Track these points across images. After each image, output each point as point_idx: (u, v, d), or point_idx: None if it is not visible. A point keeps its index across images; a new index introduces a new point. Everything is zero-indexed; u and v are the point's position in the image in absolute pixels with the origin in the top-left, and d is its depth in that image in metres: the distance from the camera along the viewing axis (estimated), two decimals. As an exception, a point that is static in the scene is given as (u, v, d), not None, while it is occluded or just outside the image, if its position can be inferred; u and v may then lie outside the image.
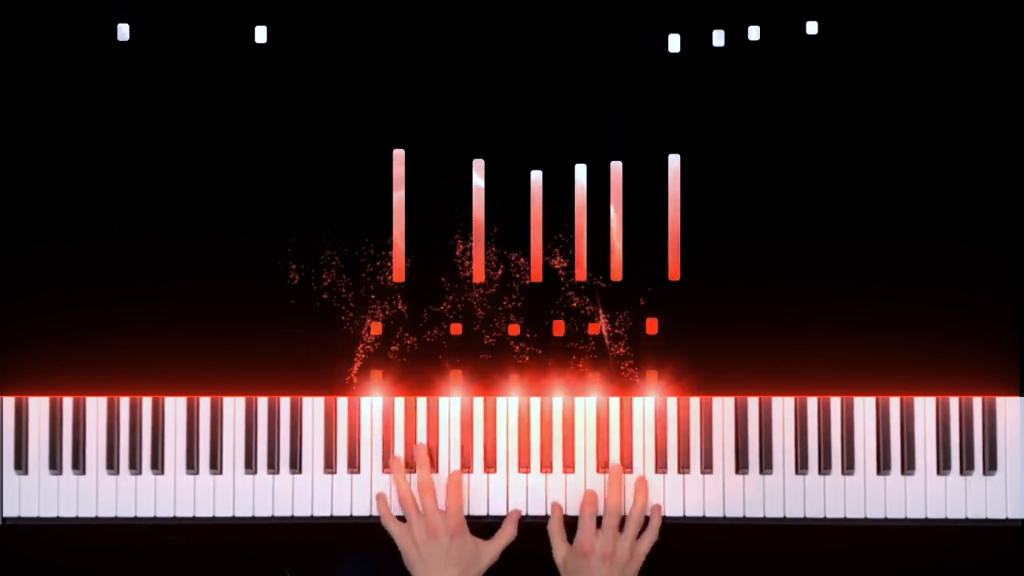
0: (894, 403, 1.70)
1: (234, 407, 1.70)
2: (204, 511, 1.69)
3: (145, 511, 1.68)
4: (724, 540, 1.72)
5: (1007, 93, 1.70)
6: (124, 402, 1.69)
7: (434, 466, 1.69)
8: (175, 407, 1.70)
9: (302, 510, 1.69)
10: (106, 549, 1.72)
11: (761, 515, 1.68)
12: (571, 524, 1.68)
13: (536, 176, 1.69)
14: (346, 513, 1.70)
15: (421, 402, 1.70)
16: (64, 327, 1.68)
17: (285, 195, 1.70)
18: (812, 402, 1.70)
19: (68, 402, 1.69)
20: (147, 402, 1.70)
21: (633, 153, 1.69)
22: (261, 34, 1.69)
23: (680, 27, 1.67)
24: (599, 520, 1.65)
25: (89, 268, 1.69)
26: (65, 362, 1.69)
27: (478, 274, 1.70)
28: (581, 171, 1.69)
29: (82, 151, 1.69)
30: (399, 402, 1.70)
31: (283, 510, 1.69)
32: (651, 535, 1.65)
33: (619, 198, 1.68)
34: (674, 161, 1.68)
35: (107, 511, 1.69)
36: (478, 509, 1.69)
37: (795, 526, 1.69)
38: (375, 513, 1.69)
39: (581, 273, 1.69)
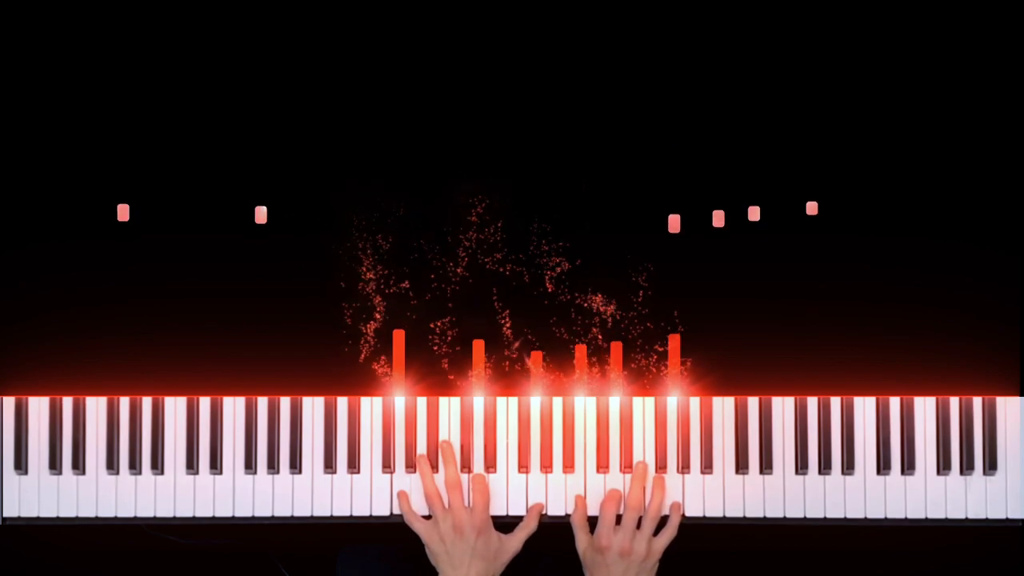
0: (894, 403, 1.70)
1: (234, 407, 1.70)
2: (204, 511, 1.69)
3: (145, 511, 1.68)
4: (724, 540, 1.72)
5: (1005, 97, 1.70)
6: (124, 402, 1.69)
7: (434, 466, 1.69)
8: (175, 407, 1.70)
9: (302, 510, 1.69)
10: (106, 549, 1.72)
11: (761, 515, 1.68)
12: (566, 523, 1.68)
13: (537, 355, 1.71)
14: (346, 513, 1.70)
15: (421, 402, 1.70)
16: (64, 327, 1.68)
17: (287, 197, 1.70)
18: (812, 402, 1.70)
19: (68, 402, 1.69)
20: (147, 402, 1.70)
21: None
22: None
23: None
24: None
25: (89, 268, 1.69)
26: (65, 362, 1.69)
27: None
28: (581, 350, 1.70)
29: (83, 150, 1.69)
30: (399, 402, 1.70)
31: (283, 510, 1.69)
32: (669, 533, 1.65)
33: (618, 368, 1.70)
34: (674, 341, 1.69)
35: (107, 511, 1.69)
36: (478, 509, 1.69)
37: (795, 526, 1.69)
38: (376, 513, 1.69)
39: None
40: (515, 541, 1.66)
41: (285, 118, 1.70)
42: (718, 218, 1.68)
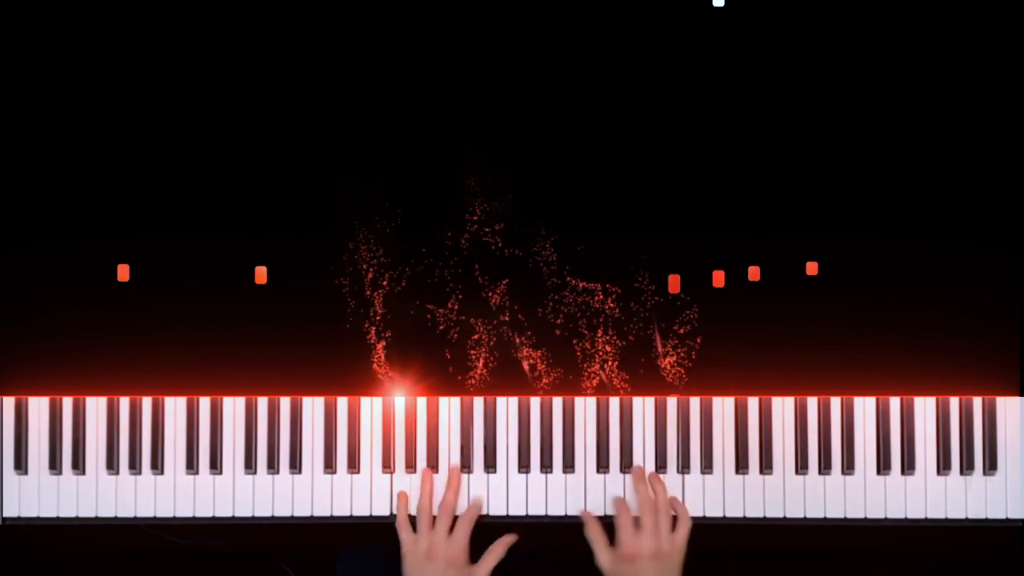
0: (894, 403, 1.70)
1: (234, 407, 1.70)
2: (204, 511, 1.69)
3: (145, 511, 1.68)
4: (724, 540, 1.72)
5: (1005, 97, 1.70)
6: (124, 402, 1.69)
7: (434, 466, 1.69)
8: (175, 407, 1.70)
9: (302, 510, 1.69)
10: (106, 549, 1.72)
11: (761, 515, 1.68)
12: (560, 525, 1.68)
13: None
14: (346, 513, 1.70)
15: (421, 402, 1.70)
16: (64, 327, 1.68)
17: (288, 199, 1.70)
18: (812, 402, 1.70)
19: (68, 402, 1.69)
20: (147, 402, 1.69)
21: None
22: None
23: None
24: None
25: (89, 268, 1.69)
26: (65, 362, 1.69)
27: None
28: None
29: (83, 151, 1.69)
30: (399, 402, 1.70)
31: (283, 510, 1.69)
32: (686, 524, 1.64)
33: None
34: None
35: (107, 511, 1.69)
36: (478, 509, 1.69)
37: (795, 526, 1.69)
38: (376, 513, 1.69)
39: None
40: (482, 571, 1.64)
41: (282, 117, 1.70)
42: (718, 278, 1.69)
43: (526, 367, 1.70)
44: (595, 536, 1.65)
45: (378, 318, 1.70)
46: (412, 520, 1.67)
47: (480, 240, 1.71)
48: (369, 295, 1.70)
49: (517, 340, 1.70)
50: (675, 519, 1.65)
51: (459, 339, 1.70)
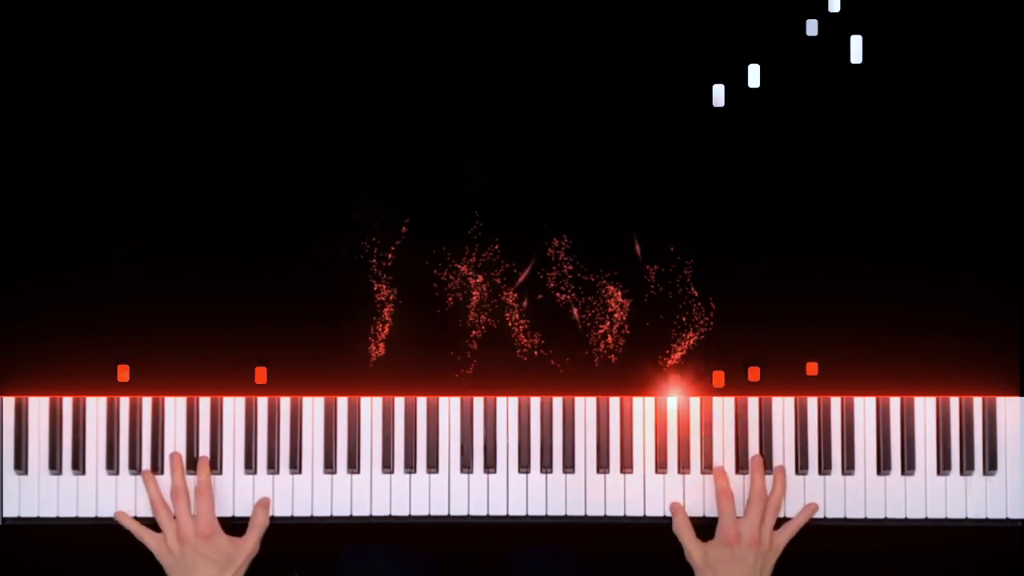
0: (894, 403, 1.70)
1: (234, 407, 1.70)
2: (204, 511, 1.69)
3: (145, 511, 1.68)
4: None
5: (1005, 97, 1.70)
6: (124, 402, 1.69)
7: (434, 466, 1.69)
8: (175, 407, 1.70)
9: (302, 510, 1.69)
10: (106, 549, 1.72)
11: (761, 515, 1.68)
12: (557, 527, 1.68)
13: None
14: (346, 513, 1.70)
15: (421, 402, 1.70)
16: (64, 327, 1.68)
17: (287, 197, 1.70)
18: (812, 402, 1.70)
19: (68, 402, 1.69)
20: (147, 402, 1.69)
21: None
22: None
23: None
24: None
25: (89, 268, 1.69)
26: (65, 362, 1.69)
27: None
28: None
29: (83, 150, 1.69)
30: (399, 402, 1.70)
31: (283, 510, 1.69)
32: (792, 528, 1.64)
33: None
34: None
35: (107, 511, 1.69)
36: (478, 510, 1.69)
37: (795, 526, 1.69)
38: (376, 513, 1.69)
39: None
40: (250, 542, 1.63)
41: (283, 119, 1.70)
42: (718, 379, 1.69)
43: (527, 362, 1.70)
44: (683, 527, 1.64)
45: (378, 317, 1.70)
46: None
47: (483, 240, 1.70)
48: (369, 294, 1.70)
49: (520, 338, 1.70)
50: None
51: (460, 338, 1.70)
